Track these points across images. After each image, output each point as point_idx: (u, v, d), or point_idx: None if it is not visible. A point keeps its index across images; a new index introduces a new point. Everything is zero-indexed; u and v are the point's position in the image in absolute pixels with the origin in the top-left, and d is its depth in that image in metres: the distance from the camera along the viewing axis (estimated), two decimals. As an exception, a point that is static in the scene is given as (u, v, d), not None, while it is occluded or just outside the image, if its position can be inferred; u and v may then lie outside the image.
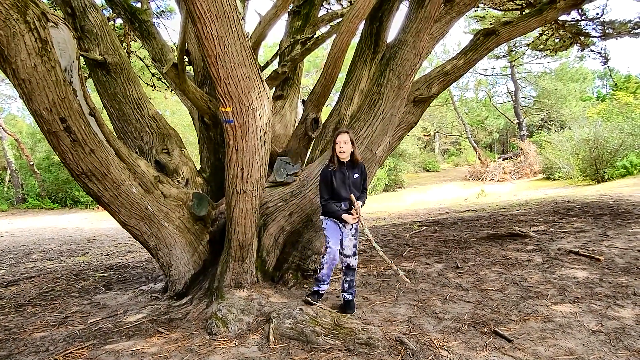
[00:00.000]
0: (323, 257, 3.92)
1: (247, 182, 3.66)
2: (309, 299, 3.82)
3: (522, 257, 5.13)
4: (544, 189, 15.94)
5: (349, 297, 3.89)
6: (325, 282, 3.95)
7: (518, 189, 17.41)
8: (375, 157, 4.73)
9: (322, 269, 3.91)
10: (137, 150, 5.14)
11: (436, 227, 7.58)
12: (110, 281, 5.89)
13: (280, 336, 3.40)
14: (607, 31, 10.05)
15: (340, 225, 3.84)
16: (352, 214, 3.73)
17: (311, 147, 5.68)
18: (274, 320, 3.55)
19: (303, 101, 5.07)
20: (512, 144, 31.21)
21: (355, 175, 3.85)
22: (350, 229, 3.85)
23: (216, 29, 3.01)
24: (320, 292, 3.95)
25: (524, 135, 28.24)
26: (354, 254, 3.88)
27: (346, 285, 3.89)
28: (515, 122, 30.31)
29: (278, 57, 6.58)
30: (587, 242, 5.60)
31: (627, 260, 4.73)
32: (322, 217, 3.94)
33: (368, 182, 4.24)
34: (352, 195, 3.72)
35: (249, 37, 5.12)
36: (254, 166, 3.62)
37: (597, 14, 9.91)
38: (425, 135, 34.94)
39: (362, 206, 3.81)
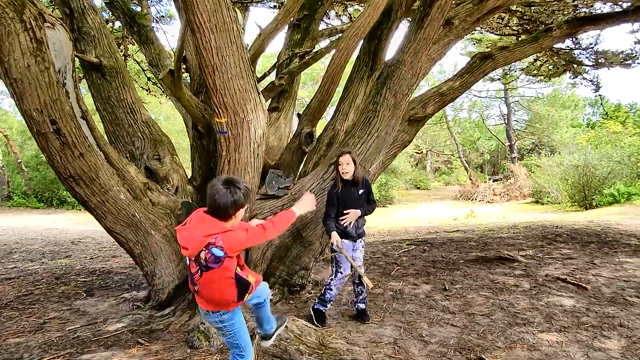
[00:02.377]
0: (331, 280, 3.95)
1: (237, 194, 3.61)
2: (321, 323, 3.93)
3: (510, 281, 5.11)
4: (532, 212, 16.04)
5: (362, 306, 4.11)
6: (331, 302, 4.08)
7: (507, 212, 17.50)
8: (368, 175, 4.70)
9: (331, 290, 3.96)
10: (128, 155, 5.07)
11: (425, 247, 7.56)
12: (92, 287, 5.76)
13: (263, 353, 3.33)
14: (599, 61, 10.23)
15: (350, 242, 3.92)
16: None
17: (304, 161, 5.66)
18: (257, 336, 3.48)
19: (298, 115, 5.05)
20: (502, 166, 31.50)
21: (360, 192, 3.94)
22: (360, 242, 4.02)
23: (215, 40, 2.99)
24: (325, 312, 4.08)
25: (514, 158, 28.50)
26: (361, 266, 4.03)
27: (358, 295, 4.12)
28: (506, 144, 30.63)
29: (276, 69, 6.59)
30: (574, 269, 5.61)
31: (613, 290, 4.74)
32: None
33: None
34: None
35: (248, 49, 5.11)
36: (245, 178, 3.58)
37: (591, 43, 10.09)
38: (417, 152, 35.12)
39: (371, 213, 4.08)
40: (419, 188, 32.33)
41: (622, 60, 10.02)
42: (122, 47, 9.84)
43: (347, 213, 3.81)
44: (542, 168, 19.54)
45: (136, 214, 4.12)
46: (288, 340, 3.36)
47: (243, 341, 2.45)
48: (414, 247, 7.69)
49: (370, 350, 3.36)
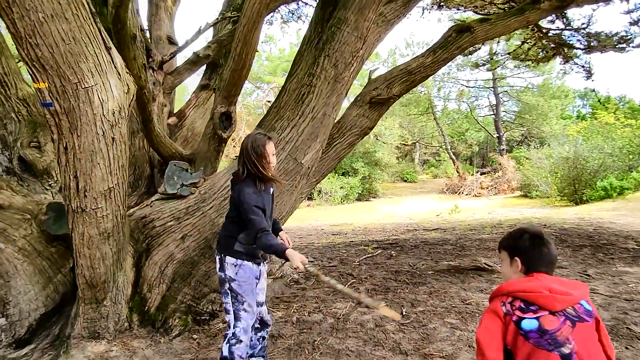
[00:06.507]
0: (235, 327, 2.57)
1: (85, 196, 2.51)
2: None
3: (486, 302, 4.08)
4: (520, 207, 15.11)
5: None
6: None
7: (493, 206, 16.55)
8: (300, 168, 3.63)
9: (240, 342, 2.56)
10: None
11: (393, 252, 6.52)
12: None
13: None
14: (592, 44, 9.24)
15: (258, 266, 2.71)
16: None
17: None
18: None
19: (213, 90, 3.95)
20: (490, 159, 30.60)
21: (272, 190, 2.77)
22: (264, 265, 2.82)
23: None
24: None
25: (503, 150, 27.60)
26: (264, 302, 2.86)
27: (254, 347, 2.83)
28: (495, 136, 29.72)
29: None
30: (564, 283, 4.60)
31: (613, 314, 3.73)
32: (234, 261, 2.58)
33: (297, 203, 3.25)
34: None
35: None
36: (94, 173, 2.47)
37: (583, 24, 9.10)
38: (404, 144, 34.09)
39: None
40: (405, 181, 31.36)
41: (615, 43, 9.03)
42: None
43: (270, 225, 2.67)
44: (531, 160, 18.64)
45: (-28, 221, 3.01)
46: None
47: None
48: (380, 251, 6.64)
49: None
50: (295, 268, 2.39)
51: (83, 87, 2.22)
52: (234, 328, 2.55)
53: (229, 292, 2.56)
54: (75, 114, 2.26)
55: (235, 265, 2.56)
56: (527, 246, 1.73)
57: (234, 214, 2.57)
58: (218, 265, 2.60)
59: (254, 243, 2.54)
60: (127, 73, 2.47)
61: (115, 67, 2.36)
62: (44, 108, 2.25)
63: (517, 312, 1.61)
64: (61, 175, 2.50)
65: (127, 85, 2.45)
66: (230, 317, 2.58)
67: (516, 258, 1.74)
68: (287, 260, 2.39)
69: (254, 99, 27.93)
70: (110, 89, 2.34)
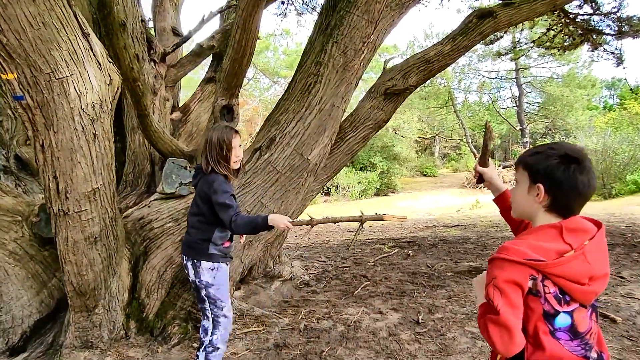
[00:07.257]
0: (213, 334, 2.45)
1: (66, 198, 2.30)
2: None
3: (510, 308, 3.76)
4: (544, 202, 14.55)
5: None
6: None
7: (516, 201, 16.00)
8: (307, 165, 3.37)
9: (218, 349, 2.44)
10: (-3, 140, 3.82)
11: (410, 251, 6.21)
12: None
13: None
14: (623, 29, 8.73)
15: (228, 266, 2.58)
16: None
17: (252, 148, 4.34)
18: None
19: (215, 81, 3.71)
20: (513, 152, 29.76)
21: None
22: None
23: None
24: None
25: (526, 142, 26.76)
26: (227, 298, 2.67)
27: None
28: (518, 128, 28.86)
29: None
30: (597, 287, 4.24)
31: (654, 323, 3.38)
32: (210, 265, 2.42)
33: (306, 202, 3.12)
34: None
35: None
36: (75, 173, 2.26)
37: (613, 8, 8.60)
38: (423, 138, 33.45)
39: None
40: (425, 175, 30.82)
41: (649, 28, 8.51)
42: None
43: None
44: (555, 153, 17.97)
45: (-41, 224, 2.85)
46: None
47: None
48: (397, 249, 6.35)
49: None
50: (284, 230, 2.29)
51: (57, 77, 2.00)
52: (211, 335, 2.45)
53: (206, 298, 2.44)
54: (50, 108, 2.05)
55: (212, 269, 2.44)
56: (558, 170, 1.23)
57: (203, 210, 2.40)
58: (191, 272, 2.45)
59: (231, 239, 2.54)
60: (110, 62, 2.25)
61: (94, 55, 2.14)
62: (16, 102, 2.04)
63: (553, 302, 1.18)
64: (41, 176, 2.30)
65: (110, 75, 2.22)
66: (208, 324, 2.47)
67: (540, 185, 1.25)
68: (271, 228, 2.27)
69: (271, 94, 27.77)
70: (89, 79, 2.12)
